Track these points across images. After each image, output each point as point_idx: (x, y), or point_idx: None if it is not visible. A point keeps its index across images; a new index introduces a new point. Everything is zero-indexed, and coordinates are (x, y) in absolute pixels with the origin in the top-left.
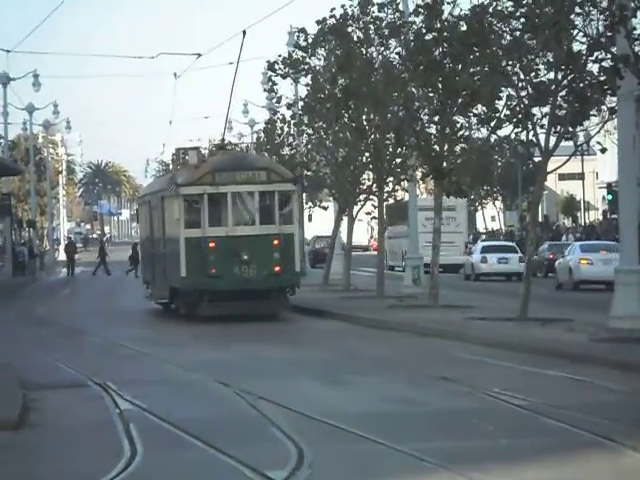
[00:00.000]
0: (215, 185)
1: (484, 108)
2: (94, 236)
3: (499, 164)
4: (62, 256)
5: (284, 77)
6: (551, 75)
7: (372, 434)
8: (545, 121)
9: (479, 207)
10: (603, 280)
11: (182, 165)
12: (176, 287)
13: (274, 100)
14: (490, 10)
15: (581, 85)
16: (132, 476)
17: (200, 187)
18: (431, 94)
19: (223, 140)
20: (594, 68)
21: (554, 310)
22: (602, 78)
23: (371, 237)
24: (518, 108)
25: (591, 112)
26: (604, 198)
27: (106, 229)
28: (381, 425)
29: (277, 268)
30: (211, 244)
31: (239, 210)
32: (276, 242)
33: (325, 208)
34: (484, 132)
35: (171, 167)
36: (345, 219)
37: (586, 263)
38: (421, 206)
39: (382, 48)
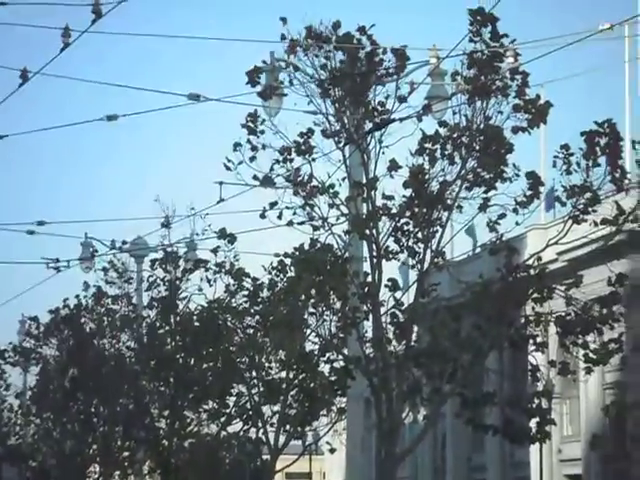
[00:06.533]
0: None
1: (215, 404)
2: None
3: (227, 461)
4: None
5: (14, 365)
6: (283, 374)
7: None
8: (275, 419)
9: None
10: None
11: None
12: None
13: (2, 389)
14: (224, 305)
15: (312, 385)
16: None
17: None
18: (162, 388)
19: None
20: (325, 368)
21: None
22: (333, 378)
23: None
24: (248, 405)
25: (321, 412)
26: None
27: None
28: None
29: None
30: None
31: None
32: None
33: None
34: (214, 428)
35: None
36: None
37: None
38: None
39: (114, 340)
